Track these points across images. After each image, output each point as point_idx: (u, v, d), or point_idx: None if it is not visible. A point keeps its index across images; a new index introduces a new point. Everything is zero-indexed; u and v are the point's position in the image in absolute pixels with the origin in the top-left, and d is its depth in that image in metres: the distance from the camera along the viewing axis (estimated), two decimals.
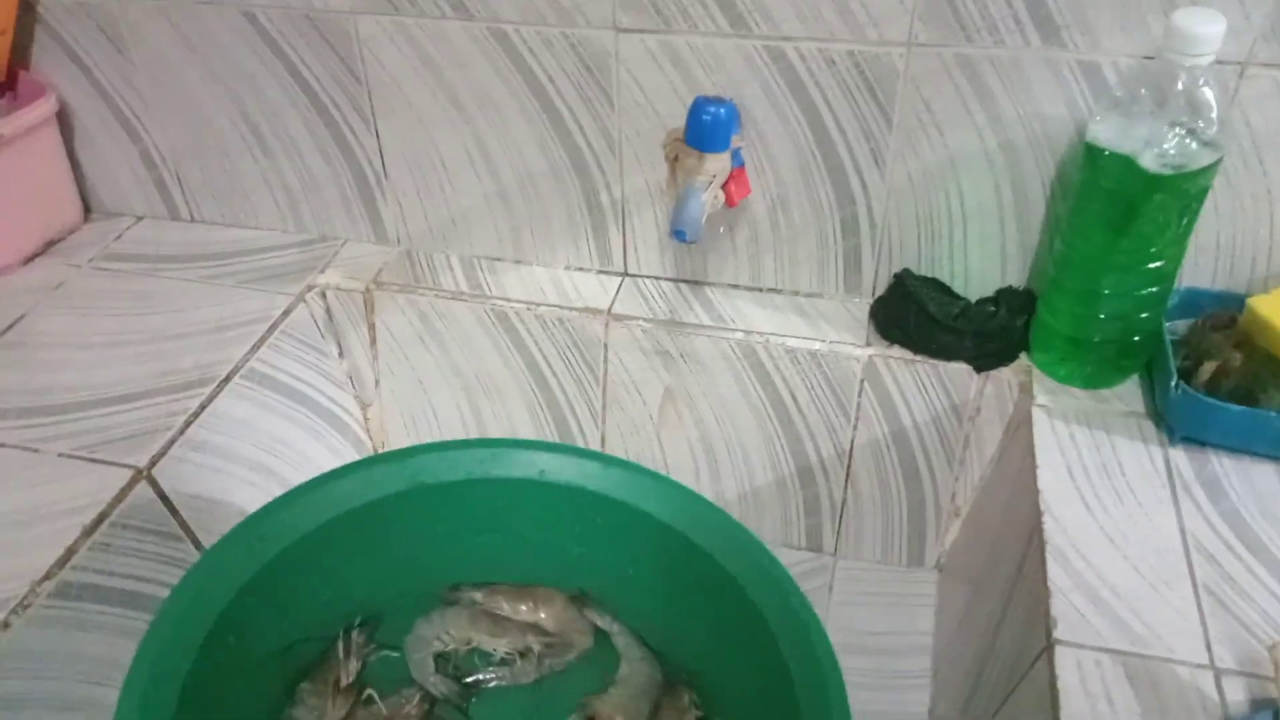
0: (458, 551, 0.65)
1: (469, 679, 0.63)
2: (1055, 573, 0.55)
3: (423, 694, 0.61)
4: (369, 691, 0.60)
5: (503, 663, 0.64)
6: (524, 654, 0.64)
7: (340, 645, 0.61)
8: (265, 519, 0.59)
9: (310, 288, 0.79)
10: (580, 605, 0.66)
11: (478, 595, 0.66)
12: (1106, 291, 0.62)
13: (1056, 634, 0.51)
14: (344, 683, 0.59)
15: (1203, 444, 0.62)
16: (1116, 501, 0.59)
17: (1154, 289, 0.62)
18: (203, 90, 0.79)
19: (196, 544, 0.67)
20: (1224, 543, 0.56)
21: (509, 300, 0.77)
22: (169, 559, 0.65)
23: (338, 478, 0.61)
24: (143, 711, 0.47)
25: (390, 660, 0.63)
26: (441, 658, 0.63)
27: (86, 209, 0.88)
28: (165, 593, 0.65)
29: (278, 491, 0.62)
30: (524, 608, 0.65)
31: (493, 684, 0.63)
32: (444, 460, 0.62)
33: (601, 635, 0.66)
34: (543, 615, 0.65)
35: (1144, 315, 0.63)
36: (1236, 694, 0.49)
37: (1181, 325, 0.66)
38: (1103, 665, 0.50)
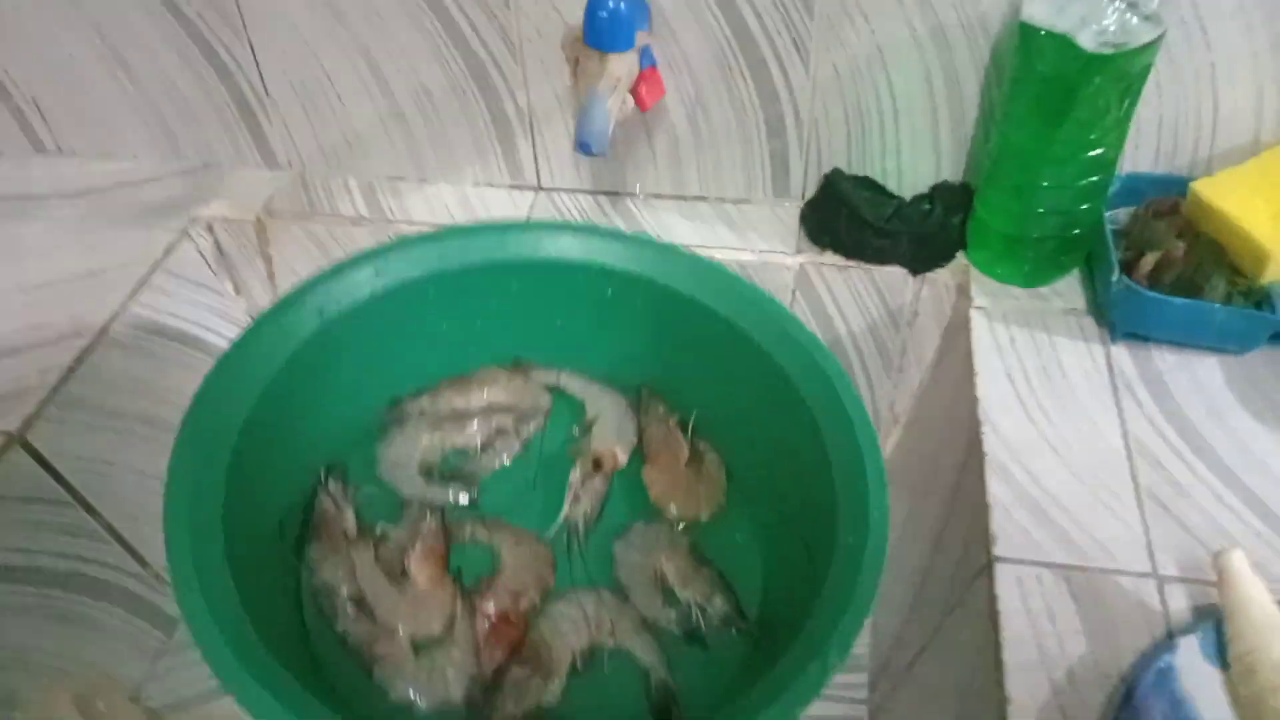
0: (408, 354, 0.62)
1: (463, 478, 0.60)
2: (995, 487, 0.52)
3: (430, 508, 0.57)
4: (381, 528, 0.56)
5: (483, 450, 0.62)
6: (499, 433, 0.62)
7: (326, 499, 0.57)
8: (217, 380, 0.52)
9: (194, 221, 0.73)
10: (524, 373, 0.65)
11: (423, 403, 0.63)
12: (1045, 184, 0.59)
13: (996, 551, 0.49)
14: (351, 533, 0.55)
15: (1145, 339, 0.60)
16: (1058, 406, 0.56)
17: (1094, 179, 0.58)
18: (49, 9, 0.70)
19: (89, 509, 0.62)
20: (1168, 444, 0.54)
21: (413, 223, 0.71)
22: (61, 527, 0.61)
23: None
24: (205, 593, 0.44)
25: (374, 497, 0.59)
26: (425, 473, 0.60)
27: None
28: (65, 563, 0.61)
29: None
30: (474, 395, 0.63)
31: (486, 473, 0.61)
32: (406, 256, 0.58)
33: (559, 393, 0.65)
34: (493, 393, 0.63)
35: (1084, 207, 0.60)
36: (1179, 602, 0.47)
37: (1123, 214, 0.63)
38: (1044, 581, 0.48)
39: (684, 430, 0.61)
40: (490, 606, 0.53)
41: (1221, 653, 0.43)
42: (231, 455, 0.49)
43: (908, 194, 0.68)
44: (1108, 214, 0.62)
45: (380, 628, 0.52)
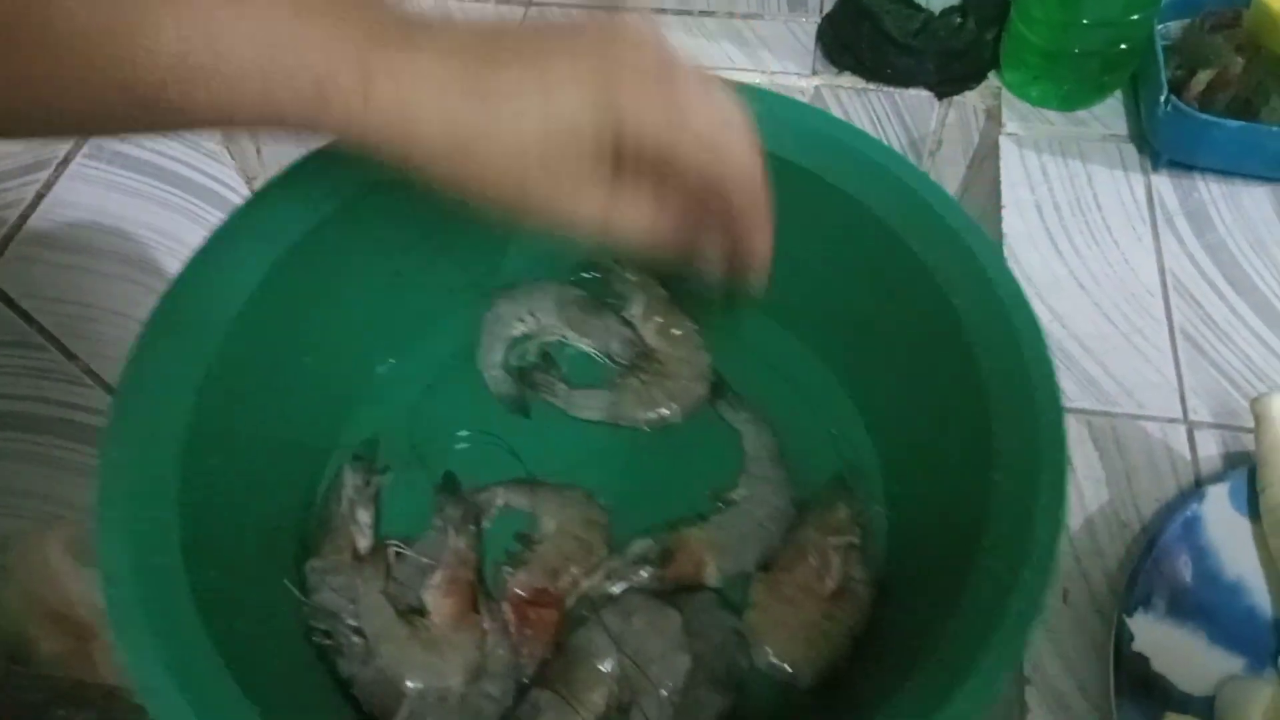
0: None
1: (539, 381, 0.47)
2: None
3: (460, 515, 0.43)
4: (394, 549, 0.43)
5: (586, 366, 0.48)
6: (625, 366, 0.47)
7: (343, 495, 0.44)
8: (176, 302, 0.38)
9: None
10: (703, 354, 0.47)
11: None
12: None
13: None
14: (363, 548, 0.43)
15: (1190, 168, 0.55)
16: (1090, 241, 0.52)
17: None
18: None
19: (66, 352, 0.59)
20: (1207, 281, 0.50)
21: None
22: (40, 371, 0.58)
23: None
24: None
25: (401, 479, 0.45)
26: (517, 344, 0.48)
27: None
28: (49, 409, 0.59)
29: (159, 286, 0.41)
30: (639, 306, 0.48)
31: (561, 398, 0.46)
32: None
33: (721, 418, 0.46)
34: (653, 330, 0.48)
35: (1134, 18, 0.54)
36: (1210, 449, 0.45)
37: (1175, 28, 0.57)
38: (1066, 427, 0.45)
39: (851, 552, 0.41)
40: (519, 586, 0.41)
41: (1252, 503, 0.41)
42: (189, 433, 0.36)
43: (936, 7, 0.61)
44: (1159, 27, 0.55)
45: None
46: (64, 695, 0.43)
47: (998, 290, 0.37)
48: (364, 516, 0.43)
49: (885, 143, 0.44)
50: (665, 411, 0.45)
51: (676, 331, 0.47)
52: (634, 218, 0.33)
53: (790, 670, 0.38)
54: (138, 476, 0.34)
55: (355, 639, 0.40)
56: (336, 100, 0.28)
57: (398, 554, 0.42)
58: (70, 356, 0.60)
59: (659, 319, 0.48)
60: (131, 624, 0.31)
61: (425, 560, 0.42)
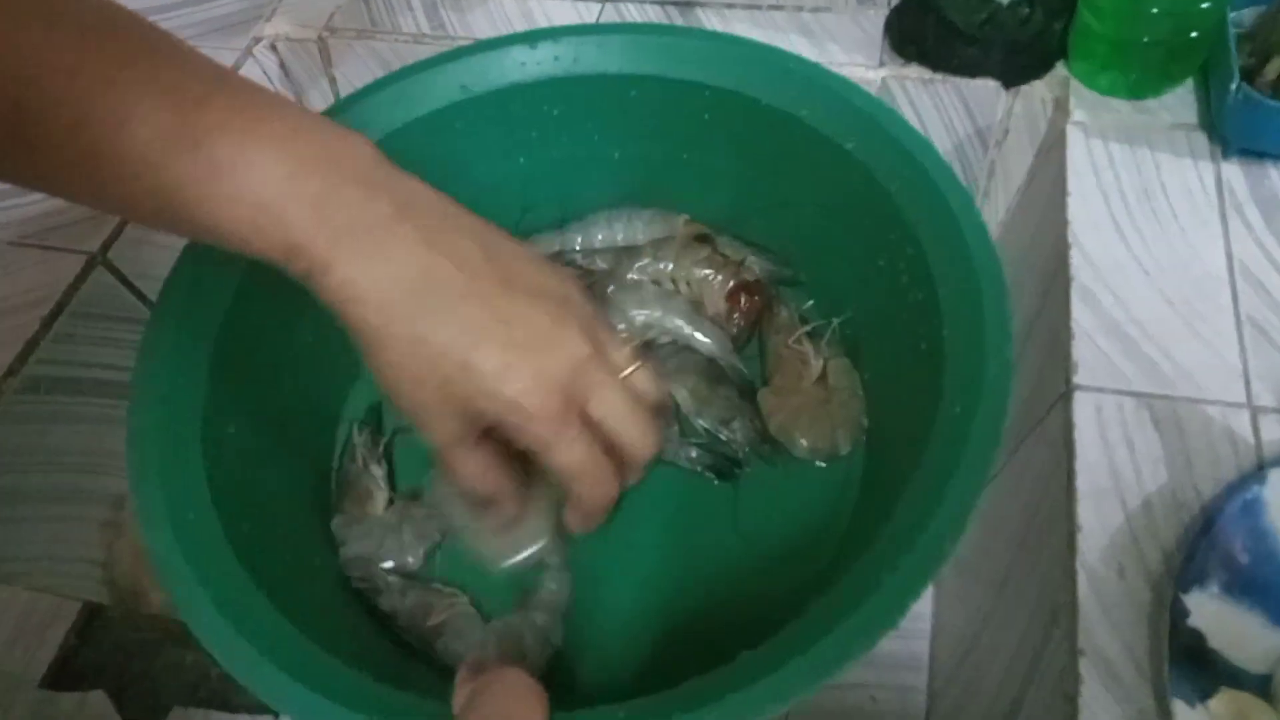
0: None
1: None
2: (1079, 311, 0.49)
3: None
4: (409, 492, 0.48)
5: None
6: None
7: (356, 455, 0.48)
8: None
9: (258, 40, 0.71)
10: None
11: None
12: None
13: (1076, 379, 0.47)
14: (380, 501, 0.47)
15: (1262, 156, 0.54)
16: (1156, 228, 0.52)
17: None
18: None
19: None
20: (1276, 268, 0.50)
21: (474, 39, 0.68)
22: None
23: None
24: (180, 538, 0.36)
25: (408, 440, 0.50)
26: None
27: None
28: None
29: None
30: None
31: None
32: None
33: None
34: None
35: (1205, 5, 0.54)
36: (1274, 433, 0.45)
37: (1248, 15, 0.56)
38: (1125, 409, 0.46)
39: (813, 339, 0.50)
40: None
41: None
42: (206, 404, 0.40)
43: None
44: (1231, 15, 0.55)
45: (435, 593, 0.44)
46: (174, 636, 0.47)
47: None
48: (377, 471, 0.47)
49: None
50: None
51: None
52: (469, 472, 0.38)
53: (807, 446, 0.47)
54: (165, 447, 0.38)
55: (390, 578, 0.45)
56: (299, 264, 0.33)
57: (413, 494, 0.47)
58: None
59: None
60: (175, 568, 0.35)
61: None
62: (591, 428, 0.37)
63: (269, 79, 0.72)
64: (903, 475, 0.37)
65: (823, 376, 0.48)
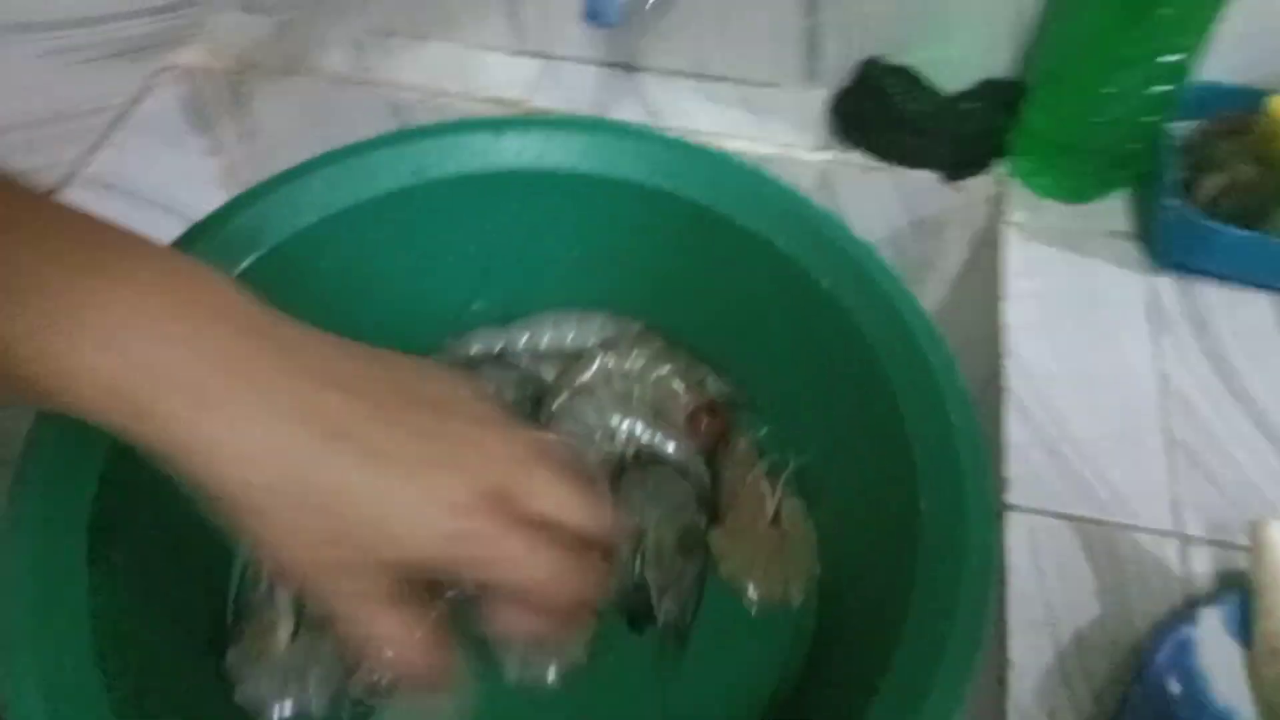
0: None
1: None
2: (1014, 426, 0.48)
3: None
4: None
5: None
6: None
7: (262, 574, 0.42)
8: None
9: (166, 69, 0.66)
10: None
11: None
12: (1111, 90, 0.52)
13: (1009, 498, 0.46)
14: (283, 633, 0.41)
15: (1193, 271, 0.54)
16: (1089, 339, 0.52)
17: (1166, 88, 0.52)
18: None
19: None
20: (1205, 390, 0.50)
21: (403, 87, 0.65)
22: None
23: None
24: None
25: None
26: None
27: None
28: None
29: None
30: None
31: None
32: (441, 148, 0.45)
33: None
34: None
35: (1148, 119, 0.54)
36: (1202, 565, 0.44)
37: (1186, 128, 0.57)
38: (1058, 534, 0.45)
39: (773, 475, 0.48)
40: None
41: (1245, 628, 0.40)
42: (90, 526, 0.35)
43: (950, 88, 0.61)
44: (1170, 127, 0.55)
45: None
46: None
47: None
48: (282, 596, 0.41)
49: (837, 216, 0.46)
50: None
51: None
52: (390, 634, 0.32)
53: (756, 594, 0.45)
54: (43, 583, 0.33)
55: None
56: (162, 422, 0.27)
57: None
58: None
59: None
60: None
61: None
62: (536, 530, 0.32)
63: (175, 112, 0.67)
64: (866, 634, 0.35)
65: (776, 517, 0.46)
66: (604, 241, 0.49)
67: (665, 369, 0.49)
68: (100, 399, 0.27)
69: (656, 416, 0.48)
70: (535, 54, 0.67)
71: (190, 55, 0.67)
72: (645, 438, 0.47)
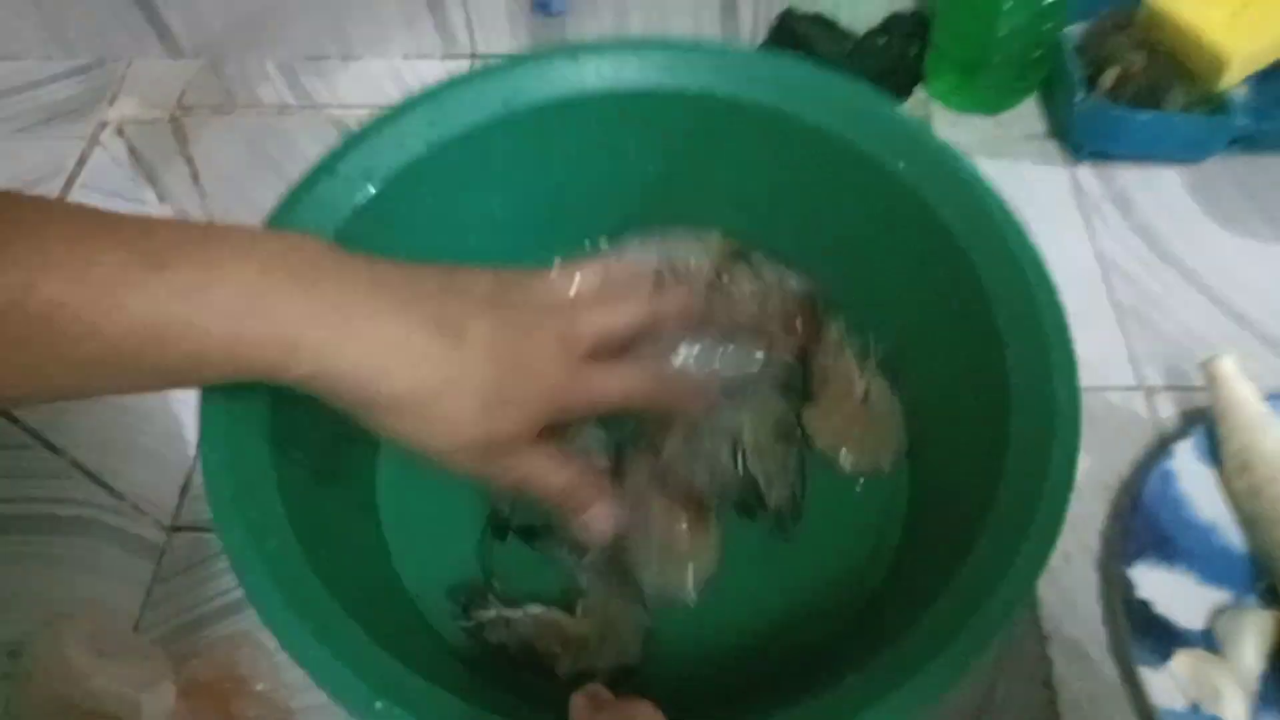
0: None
1: None
2: None
3: None
4: None
5: None
6: None
7: None
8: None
9: (103, 125, 0.66)
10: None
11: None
12: (1007, 5, 0.57)
13: None
14: None
15: (1107, 157, 0.60)
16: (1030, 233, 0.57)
17: None
18: None
19: (50, 446, 0.58)
20: (1138, 259, 0.56)
21: (345, 106, 0.67)
22: (27, 470, 0.57)
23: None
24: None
25: None
26: None
27: None
28: (40, 507, 0.58)
29: None
30: None
31: None
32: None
33: None
34: None
35: (1046, 26, 0.59)
36: (1167, 410, 0.50)
37: (1078, 30, 0.62)
38: None
39: (860, 358, 0.51)
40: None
41: (1214, 453, 0.46)
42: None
43: (862, 28, 0.66)
44: (1063, 32, 0.61)
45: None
46: None
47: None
48: None
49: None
50: None
51: None
52: (544, 469, 0.38)
53: (851, 462, 0.48)
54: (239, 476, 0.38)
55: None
56: (303, 363, 0.31)
57: None
58: (54, 450, 0.59)
59: None
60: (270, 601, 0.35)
61: None
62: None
63: (120, 166, 0.67)
64: (956, 497, 0.40)
65: (865, 397, 0.50)
66: (681, 156, 0.51)
67: (751, 275, 0.51)
68: (270, 356, 0.31)
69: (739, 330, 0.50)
70: (467, 55, 0.69)
71: (124, 108, 0.67)
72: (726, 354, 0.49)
